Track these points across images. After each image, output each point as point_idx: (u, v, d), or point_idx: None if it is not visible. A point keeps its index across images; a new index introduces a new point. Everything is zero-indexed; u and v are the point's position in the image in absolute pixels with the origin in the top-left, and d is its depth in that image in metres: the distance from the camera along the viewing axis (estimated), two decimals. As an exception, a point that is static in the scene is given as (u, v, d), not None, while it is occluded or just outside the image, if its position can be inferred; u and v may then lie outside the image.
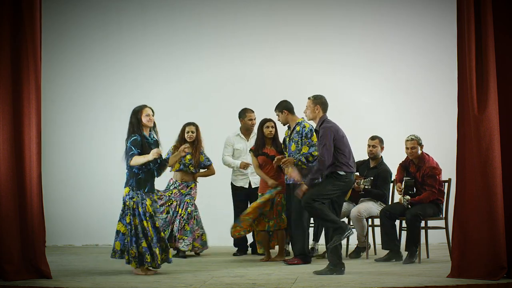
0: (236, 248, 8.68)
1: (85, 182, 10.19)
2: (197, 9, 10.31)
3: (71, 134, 10.28)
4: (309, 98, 7.00)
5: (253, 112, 8.62)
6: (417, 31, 10.08)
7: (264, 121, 8.05)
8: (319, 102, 6.92)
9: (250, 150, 8.16)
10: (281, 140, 8.05)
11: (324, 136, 6.72)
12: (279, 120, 7.87)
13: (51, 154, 9.74)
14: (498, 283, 5.92)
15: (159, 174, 7.07)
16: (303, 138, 7.66)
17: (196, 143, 8.39)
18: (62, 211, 10.02)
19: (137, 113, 6.92)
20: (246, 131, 8.65)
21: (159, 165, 7.00)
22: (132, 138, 6.83)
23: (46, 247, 6.73)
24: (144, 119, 6.89)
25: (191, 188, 8.46)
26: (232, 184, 8.71)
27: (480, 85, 6.21)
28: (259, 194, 8.02)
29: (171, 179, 8.57)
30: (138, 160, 6.79)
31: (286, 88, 9.86)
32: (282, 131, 8.11)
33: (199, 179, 8.56)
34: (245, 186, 8.55)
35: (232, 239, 8.57)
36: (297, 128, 7.73)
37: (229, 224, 8.33)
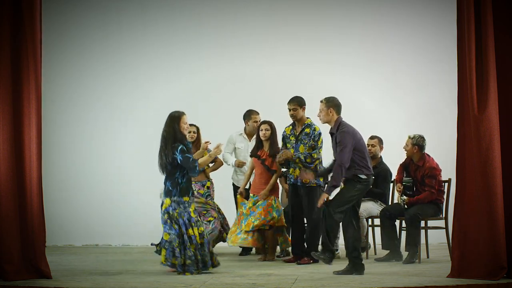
0: (241, 249, 8.69)
1: (85, 182, 10.19)
2: (197, 9, 10.31)
3: (71, 134, 10.28)
4: (321, 101, 6.89)
5: (258, 114, 8.60)
6: (417, 31, 10.08)
7: (260, 124, 8.06)
8: (332, 104, 6.83)
9: (251, 151, 8.18)
10: (279, 136, 8.04)
11: (345, 142, 6.64)
12: (293, 114, 7.79)
13: (51, 154, 9.73)
14: (498, 283, 5.92)
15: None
16: (311, 140, 7.66)
17: (196, 143, 8.42)
18: (62, 211, 10.02)
19: (176, 120, 6.91)
20: (250, 133, 8.63)
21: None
22: (179, 148, 6.79)
23: (46, 247, 6.73)
24: (183, 127, 6.90)
25: (207, 187, 8.48)
26: (234, 184, 8.72)
27: (480, 85, 6.21)
28: (251, 194, 8.02)
29: None
30: (202, 162, 6.85)
31: (286, 88, 9.84)
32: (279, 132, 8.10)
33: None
34: (246, 187, 8.54)
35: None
36: (307, 130, 7.72)
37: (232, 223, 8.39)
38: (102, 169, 10.19)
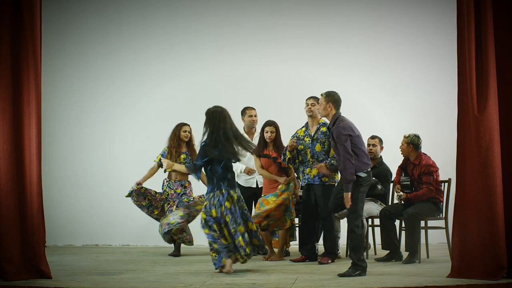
0: None
1: (85, 182, 10.19)
2: (199, 9, 10.30)
3: (71, 134, 10.29)
4: (321, 95, 6.93)
5: (253, 109, 8.64)
6: (417, 31, 10.07)
7: (265, 125, 8.03)
8: (331, 99, 6.85)
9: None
10: (287, 137, 8.01)
11: (341, 138, 6.66)
12: (310, 108, 7.77)
13: (51, 154, 9.75)
14: (498, 283, 5.92)
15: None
16: (328, 139, 7.63)
17: (189, 142, 8.52)
18: (62, 211, 10.03)
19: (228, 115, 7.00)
20: (248, 129, 8.67)
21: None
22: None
23: (46, 247, 6.74)
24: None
25: (185, 187, 8.54)
26: (238, 184, 8.72)
27: (480, 85, 6.21)
28: (263, 195, 8.02)
29: (165, 179, 8.62)
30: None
31: (289, 88, 9.88)
32: (285, 133, 8.08)
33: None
34: (252, 186, 8.57)
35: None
36: (323, 129, 7.71)
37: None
38: (102, 169, 10.19)
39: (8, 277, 6.19)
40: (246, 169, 8.50)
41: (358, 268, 6.58)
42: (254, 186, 8.56)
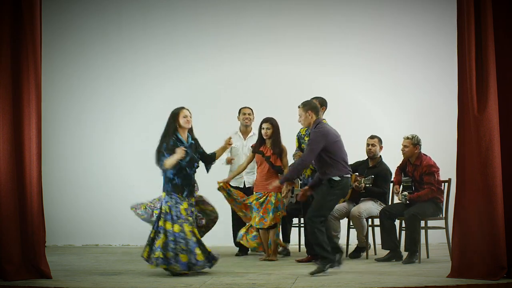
0: (238, 248, 8.68)
1: (85, 182, 10.19)
2: (199, 9, 10.30)
3: (71, 134, 10.29)
4: (299, 107, 7.01)
5: (247, 108, 8.68)
6: (417, 31, 10.08)
7: (261, 122, 8.05)
8: (309, 107, 6.93)
9: (251, 146, 8.19)
10: (291, 136, 8.01)
11: (313, 141, 6.76)
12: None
13: (51, 154, 9.74)
14: (498, 283, 5.93)
15: (208, 170, 7.15)
16: None
17: None
18: (62, 211, 10.03)
19: (175, 116, 6.97)
20: (243, 127, 8.69)
21: (206, 160, 7.02)
22: (164, 145, 6.87)
23: (46, 247, 6.74)
24: (182, 121, 6.94)
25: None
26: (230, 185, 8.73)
27: (480, 85, 6.21)
28: (255, 192, 8.02)
29: None
30: (169, 162, 6.78)
31: (289, 89, 9.87)
32: (285, 134, 8.09)
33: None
34: (240, 186, 8.56)
35: (232, 239, 8.61)
36: None
37: (228, 224, 8.42)
38: (102, 169, 10.19)
39: (8, 277, 6.19)
40: (228, 158, 8.45)
41: (327, 261, 6.63)
42: (242, 186, 8.55)
